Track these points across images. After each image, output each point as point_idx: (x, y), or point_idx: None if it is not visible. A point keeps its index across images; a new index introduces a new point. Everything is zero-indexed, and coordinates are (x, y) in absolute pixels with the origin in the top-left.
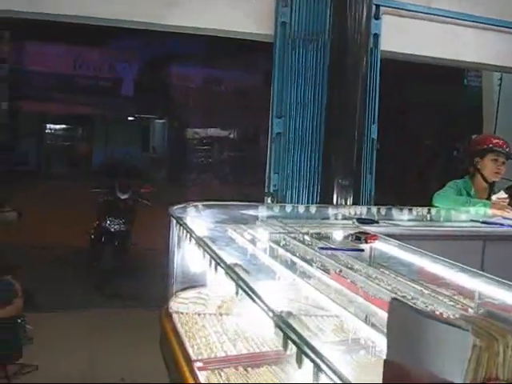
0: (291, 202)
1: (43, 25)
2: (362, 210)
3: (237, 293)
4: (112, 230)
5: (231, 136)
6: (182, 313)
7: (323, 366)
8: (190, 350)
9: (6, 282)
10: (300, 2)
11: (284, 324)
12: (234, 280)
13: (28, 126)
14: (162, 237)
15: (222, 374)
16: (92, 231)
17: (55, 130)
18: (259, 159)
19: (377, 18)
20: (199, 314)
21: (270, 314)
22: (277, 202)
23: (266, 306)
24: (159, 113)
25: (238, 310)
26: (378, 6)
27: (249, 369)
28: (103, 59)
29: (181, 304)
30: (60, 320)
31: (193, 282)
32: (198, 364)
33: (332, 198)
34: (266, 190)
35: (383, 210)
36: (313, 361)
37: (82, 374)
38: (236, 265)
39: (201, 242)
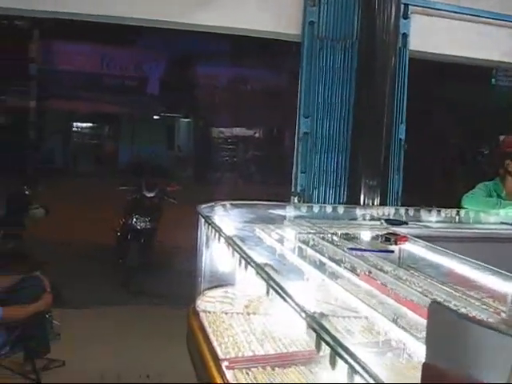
0: (318, 202)
1: (71, 24)
2: (389, 211)
3: (267, 292)
4: (138, 227)
5: (256, 135)
6: (209, 311)
7: (358, 368)
8: (218, 349)
9: (34, 278)
10: (328, 1)
11: (317, 325)
12: (264, 280)
13: (55, 124)
14: (188, 235)
15: (250, 373)
16: (118, 228)
17: (82, 128)
18: (284, 159)
19: (405, 17)
20: (226, 313)
21: (303, 314)
22: (303, 202)
23: (299, 306)
24: (185, 112)
25: (265, 309)
26: (406, 6)
27: (276, 369)
28: (130, 58)
29: (208, 303)
30: (86, 316)
31: (219, 281)
32: (226, 363)
33: (359, 199)
34: (293, 190)
35: (411, 211)
36: (347, 362)
37: (107, 370)
38: (266, 264)
39: (230, 241)
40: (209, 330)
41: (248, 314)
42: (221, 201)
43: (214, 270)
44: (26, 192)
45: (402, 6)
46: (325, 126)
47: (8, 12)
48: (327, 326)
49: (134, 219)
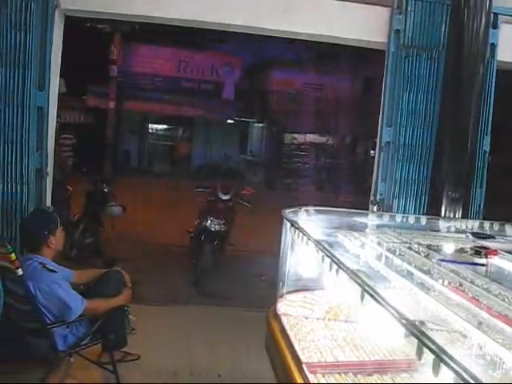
0: (397, 212)
1: (150, 28)
2: (473, 224)
3: (362, 298)
4: (212, 229)
5: (329, 143)
6: (290, 315)
7: (466, 376)
8: (300, 352)
9: (116, 272)
10: (415, 9)
11: (419, 332)
12: (360, 285)
13: (132, 124)
14: (259, 239)
15: (332, 378)
16: (192, 229)
17: (157, 129)
18: (357, 168)
19: (495, 27)
20: (306, 318)
21: (404, 321)
22: (382, 211)
23: (398, 313)
24: (258, 117)
25: (346, 316)
26: (496, 15)
27: (359, 376)
28: (206, 62)
29: (288, 306)
30: (158, 313)
31: (299, 286)
32: (308, 366)
33: (440, 210)
34: (372, 199)
35: (496, 226)
36: (454, 370)
37: (180, 367)
38: (359, 270)
39: (319, 246)
40: (290, 333)
41: (328, 319)
42: (295, 207)
43: (296, 274)
44: (105, 190)
45: (492, 15)
46: (408, 135)
47: (94, 15)
48: (429, 333)
49: (209, 221)
